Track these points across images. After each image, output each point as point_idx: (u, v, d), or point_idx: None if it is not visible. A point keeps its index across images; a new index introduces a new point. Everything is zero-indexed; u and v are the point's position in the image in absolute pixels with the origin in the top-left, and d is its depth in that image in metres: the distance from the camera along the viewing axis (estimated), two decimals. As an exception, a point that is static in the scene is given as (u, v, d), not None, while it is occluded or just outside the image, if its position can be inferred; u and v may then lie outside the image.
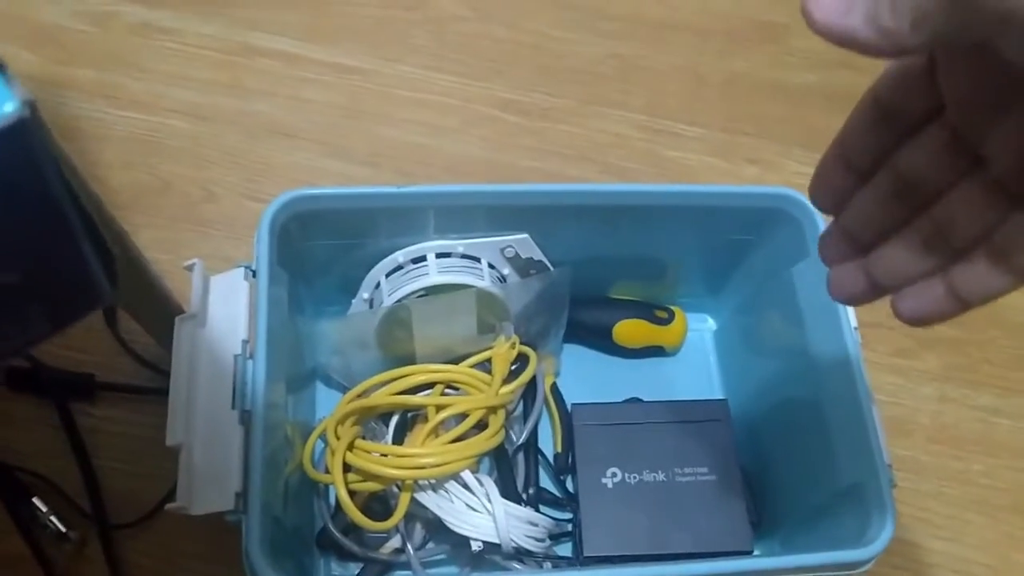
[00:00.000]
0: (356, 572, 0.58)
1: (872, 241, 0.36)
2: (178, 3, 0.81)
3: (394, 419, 0.57)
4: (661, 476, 0.60)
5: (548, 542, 0.58)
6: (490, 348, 0.60)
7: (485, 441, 0.55)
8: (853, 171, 0.35)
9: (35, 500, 0.59)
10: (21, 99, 0.29)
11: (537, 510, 0.59)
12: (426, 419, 0.56)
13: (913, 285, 0.35)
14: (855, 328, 0.55)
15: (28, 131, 0.29)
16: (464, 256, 0.61)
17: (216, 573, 0.59)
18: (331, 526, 0.56)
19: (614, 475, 0.60)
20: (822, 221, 0.58)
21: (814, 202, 0.38)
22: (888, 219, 0.35)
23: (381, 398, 0.56)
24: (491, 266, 0.61)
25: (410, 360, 0.59)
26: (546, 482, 0.62)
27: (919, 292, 0.35)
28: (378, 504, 0.57)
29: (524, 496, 0.60)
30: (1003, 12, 0.24)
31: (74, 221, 0.30)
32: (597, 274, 0.66)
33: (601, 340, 0.68)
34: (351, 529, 0.56)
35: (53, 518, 0.59)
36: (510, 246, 0.61)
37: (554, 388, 0.65)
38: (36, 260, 0.31)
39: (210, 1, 0.81)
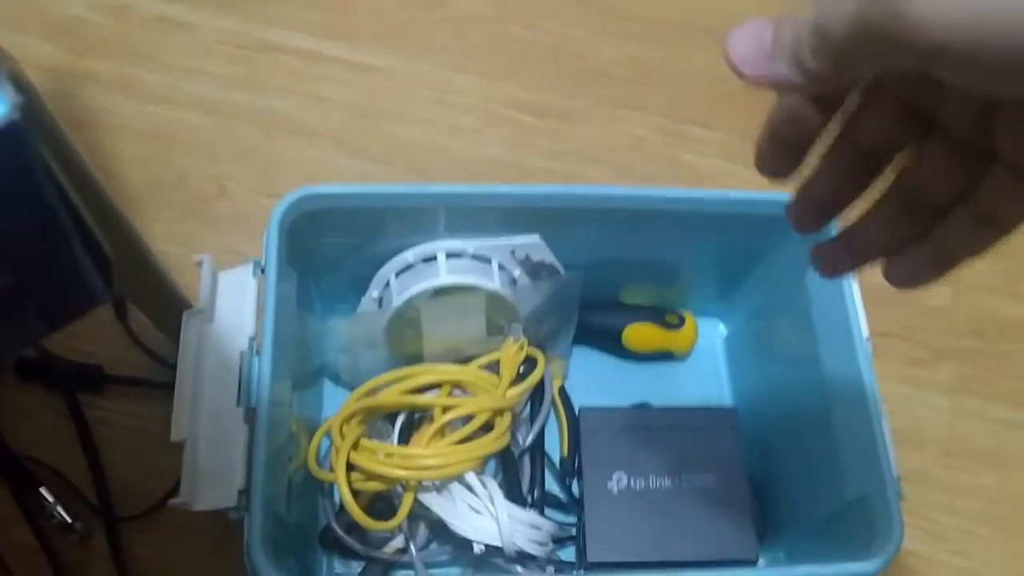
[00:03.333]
0: (359, 571, 0.59)
1: (843, 208, 0.35)
2: (196, -4, 0.81)
3: (400, 419, 0.57)
4: (667, 482, 0.60)
5: (551, 546, 0.57)
6: (498, 350, 0.60)
7: (490, 443, 0.55)
8: (799, 153, 0.34)
9: (42, 490, 0.59)
10: (12, 103, 0.28)
11: (542, 513, 0.59)
12: (432, 420, 0.56)
13: (900, 252, 0.34)
14: (866, 338, 0.55)
15: (19, 134, 0.28)
16: (475, 257, 0.60)
17: (220, 568, 0.59)
18: (335, 524, 0.56)
19: (620, 480, 0.60)
20: (836, 229, 0.57)
21: (765, 175, 0.35)
22: (856, 188, 0.34)
23: (388, 397, 0.56)
24: (502, 267, 0.61)
25: (418, 360, 0.59)
26: (552, 485, 0.62)
27: (907, 259, 0.34)
28: (382, 503, 0.57)
29: (529, 499, 0.59)
30: (932, 49, 0.24)
31: (66, 224, 0.30)
32: (608, 277, 0.65)
33: (611, 344, 0.68)
34: (355, 527, 0.56)
35: (59, 508, 0.59)
36: (521, 248, 0.60)
37: (562, 391, 0.65)
38: (27, 262, 0.31)
39: (228, -5, 0.81)
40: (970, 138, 0.30)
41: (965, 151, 0.30)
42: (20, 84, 0.30)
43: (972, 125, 0.30)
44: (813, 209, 0.36)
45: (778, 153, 0.33)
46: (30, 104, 0.29)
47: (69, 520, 0.59)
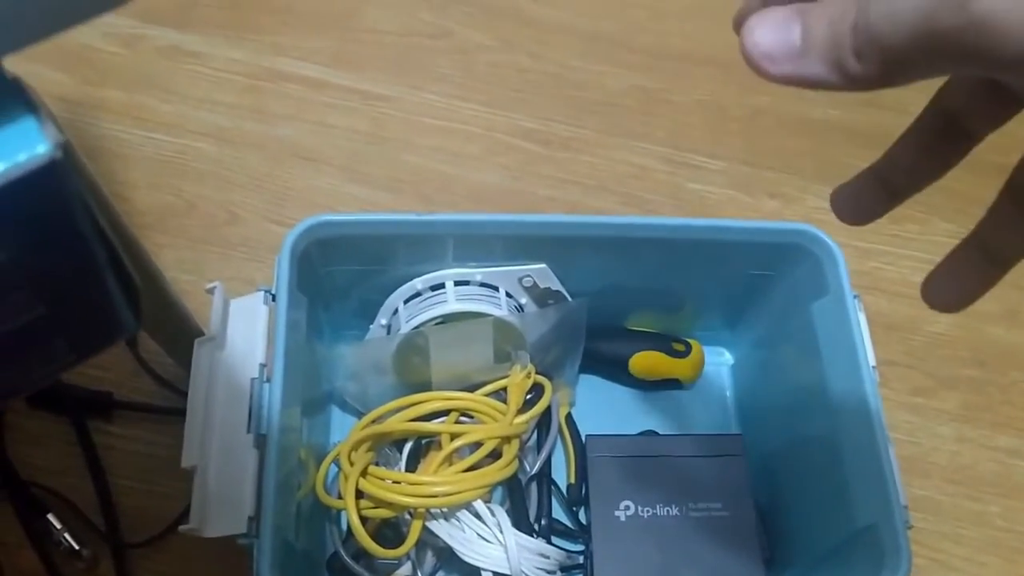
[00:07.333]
0: (366, 598, 0.58)
1: None
2: (206, 27, 0.82)
3: (408, 446, 0.57)
4: (675, 511, 0.60)
5: (559, 574, 0.57)
6: (506, 377, 0.60)
7: (498, 471, 0.55)
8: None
9: (49, 516, 0.59)
10: (53, 141, 0.29)
11: (549, 541, 0.59)
12: (440, 446, 0.56)
13: (949, 269, 0.34)
14: (873, 367, 0.55)
15: (59, 172, 0.29)
16: (482, 284, 0.61)
17: (228, 595, 0.60)
18: (342, 551, 0.56)
19: (627, 508, 0.60)
20: (841, 258, 0.58)
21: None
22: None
23: (396, 424, 0.56)
24: (509, 295, 0.61)
25: (426, 387, 0.59)
26: (559, 513, 0.62)
27: (955, 273, 0.34)
28: (390, 530, 0.57)
29: (536, 527, 0.59)
30: (1014, 59, 0.22)
31: (101, 257, 0.31)
32: (614, 305, 0.66)
33: (617, 371, 0.68)
34: (362, 555, 0.56)
35: (67, 535, 0.59)
36: (528, 275, 0.61)
37: (569, 419, 0.65)
38: (63, 295, 0.31)
39: (237, 26, 0.83)
40: None
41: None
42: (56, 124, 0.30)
43: None
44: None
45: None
46: (67, 142, 0.29)
47: (76, 546, 0.59)
